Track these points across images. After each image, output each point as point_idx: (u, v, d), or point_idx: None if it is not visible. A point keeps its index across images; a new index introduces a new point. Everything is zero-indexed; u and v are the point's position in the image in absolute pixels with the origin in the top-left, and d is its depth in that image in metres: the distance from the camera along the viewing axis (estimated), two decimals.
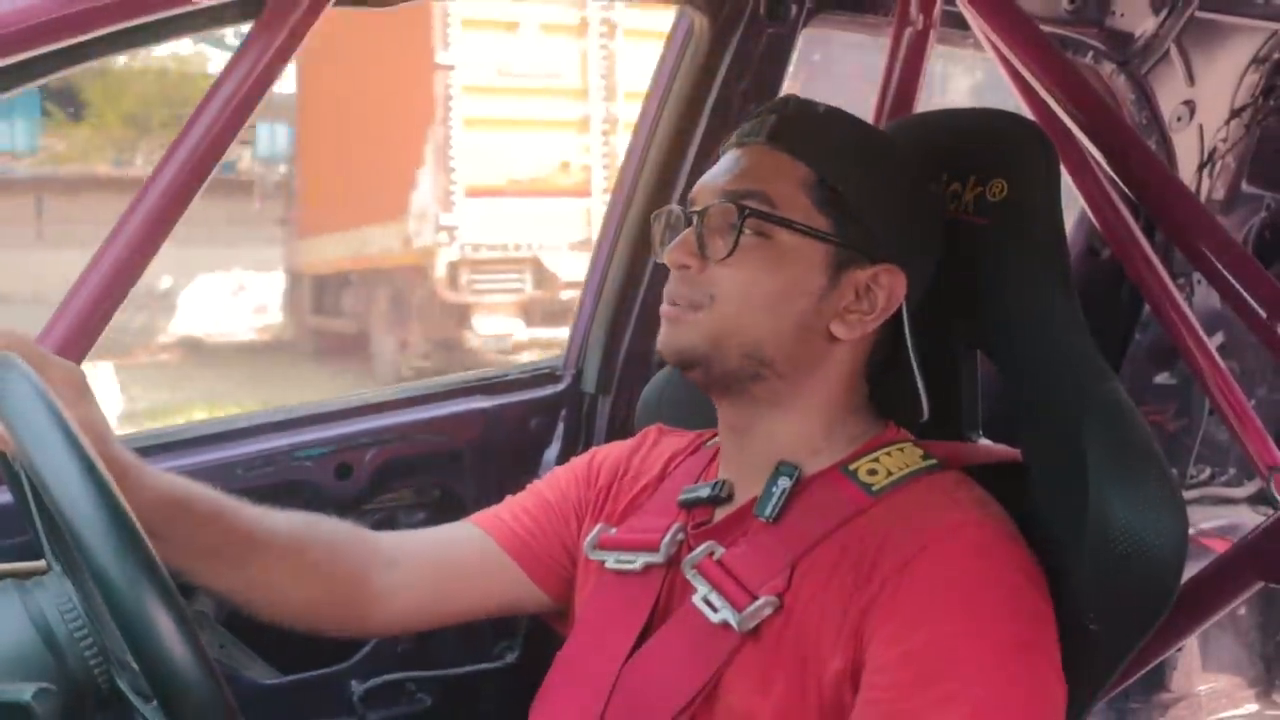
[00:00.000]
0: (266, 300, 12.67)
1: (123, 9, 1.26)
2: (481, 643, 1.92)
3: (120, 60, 10.58)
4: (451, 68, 8.19)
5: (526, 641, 1.92)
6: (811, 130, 1.16)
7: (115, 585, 0.79)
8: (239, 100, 1.36)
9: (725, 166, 1.18)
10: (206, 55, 11.79)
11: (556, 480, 1.37)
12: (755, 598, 1.08)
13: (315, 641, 1.71)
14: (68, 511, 0.80)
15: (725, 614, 1.09)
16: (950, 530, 1.05)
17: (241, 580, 1.22)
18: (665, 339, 1.16)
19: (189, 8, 1.31)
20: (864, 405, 1.20)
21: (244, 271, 12.56)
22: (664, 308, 1.17)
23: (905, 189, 1.18)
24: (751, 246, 1.12)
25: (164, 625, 0.79)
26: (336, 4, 1.42)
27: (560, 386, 2.03)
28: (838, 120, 1.19)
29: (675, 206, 1.22)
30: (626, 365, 2.00)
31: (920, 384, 1.17)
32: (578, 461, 1.39)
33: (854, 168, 1.14)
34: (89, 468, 0.82)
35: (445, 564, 1.31)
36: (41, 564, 1.02)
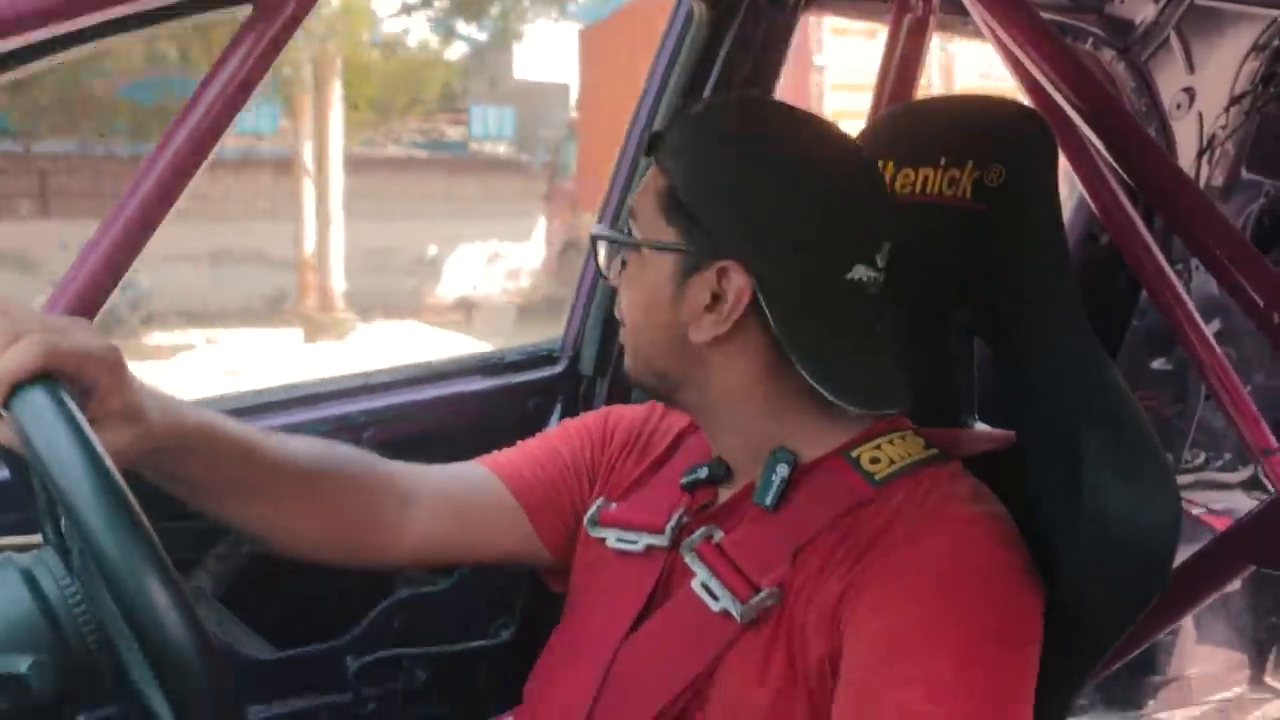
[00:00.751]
0: (519, 266, 13.82)
1: None
2: (477, 620, 1.93)
3: (360, 48, 11.51)
4: (824, 68, 9.16)
5: (522, 619, 1.93)
6: (675, 137, 1.15)
7: (111, 559, 0.80)
8: (235, 86, 1.36)
9: None
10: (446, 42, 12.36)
11: (570, 435, 1.36)
12: (758, 589, 1.08)
13: (311, 618, 1.73)
14: (63, 485, 0.81)
15: (726, 603, 1.09)
16: (942, 524, 1.05)
17: (258, 515, 1.20)
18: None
19: None
20: (805, 397, 1.12)
21: (499, 242, 13.63)
22: None
23: (760, 179, 1.10)
24: (627, 264, 1.16)
25: (160, 600, 0.80)
26: None
27: (558, 368, 2.03)
28: (706, 121, 1.16)
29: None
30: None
31: (809, 378, 1.09)
32: (592, 419, 1.38)
33: (704, 172, 1.12)
34: (84, 442, 0.82)
35: (458, 504, 1.30)
36: (38, 538, 1.03)
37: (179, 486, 1.13)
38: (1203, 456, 2.79)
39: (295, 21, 1.37)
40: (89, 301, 1.34)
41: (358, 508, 1.25)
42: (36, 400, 0.87)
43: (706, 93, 1.91)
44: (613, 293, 1.21)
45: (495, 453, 1.35)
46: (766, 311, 1.09)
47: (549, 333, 2.06)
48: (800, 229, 1.10)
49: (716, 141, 1.13)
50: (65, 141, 12.09)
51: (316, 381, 1.85)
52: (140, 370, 1.04)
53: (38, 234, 11.88)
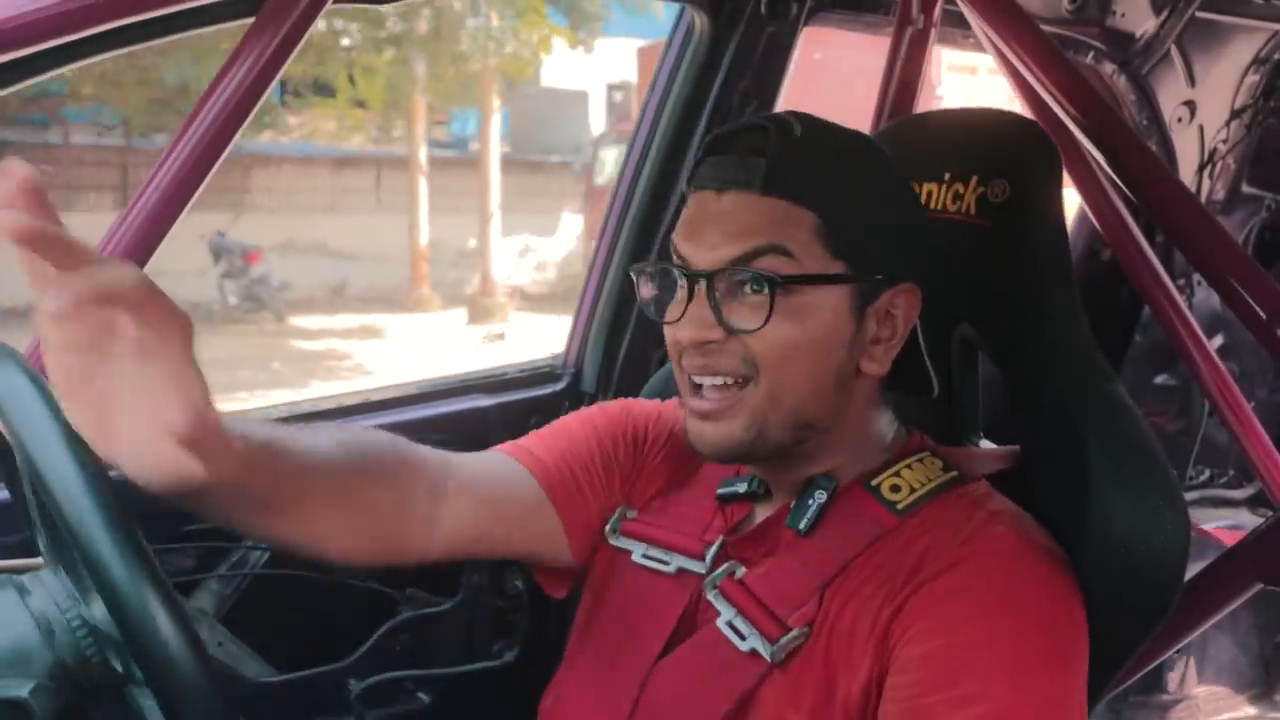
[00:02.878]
0: (554, 258, 15.24)
1: (120, 6, 1.25)
2: (480, 642, 1.92)
3: (356, 47, 11.90)
4: (942, 99, 9.89)
5: (525, 641, 1.92)
6: (804, 167, 1.06)
7: (113, 582, 0.79)
8: (239, 97, 1.36)
9: (717, 219, 1.07)
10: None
11: (597, 428, 1.28)
12: (788, 629, 1.06)
13: (314, 639, 1.72)
14: (66, 510, 0.80)
15: (754, 642, 1.07)
16: (988, 543, 1.03)
17: (283, 528, 1.07)
18: (704, 436, 1.09)
19: (187, 5, 1.31)
20: (886, 414, 1.17)
21: (531, 237, 14.91)
22: (696, 402, 1.08)
23: (899, 200, 1.12)
24: (780, 311, 1.03)
25: (161, 622, 0.79)
26: (336, 1, 1.42)
27: (560, 386, 2.03)
28: (824, 145, 1.10)
29: (668, 265, 1.11)
30: (625, 365, 2.00)
31: (934, 381, 1.15)
32: (617, 412, 1.31)
33: (854, 198, 1.07)
34: (86, 465, 0.82)
35: (491, 498, 1.21)
36: (39, 560, 1.02)
37: (205, 498, 0.96)
38: (1207, 473, 2.78)
39: (300, 30, 1.37)
40: None
41: (389, 508, 1.14)
42: (32, 411, 0.86)
43: (708, 105, 1.91)
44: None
45: (516, 442, 1.27)
46: (918, 325, 1.12)
47: None
48: (928, 242, 1.14)
49: (854, 165, 1.09)
50: (152, 137, 12.64)
51: (316, 400, 1.85)
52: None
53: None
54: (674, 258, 1.10)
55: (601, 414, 1.31)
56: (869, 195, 1.08)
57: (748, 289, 1.04)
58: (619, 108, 16.84)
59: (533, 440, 1.27)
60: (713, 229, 1.06)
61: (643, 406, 1.31)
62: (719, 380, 1.07)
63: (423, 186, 13.44)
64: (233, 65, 1.36)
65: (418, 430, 1.84)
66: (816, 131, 1.10)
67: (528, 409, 1.99)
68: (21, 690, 0.87)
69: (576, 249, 15.83)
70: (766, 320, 1.03)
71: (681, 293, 1.08)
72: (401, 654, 1.84)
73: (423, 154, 13.52)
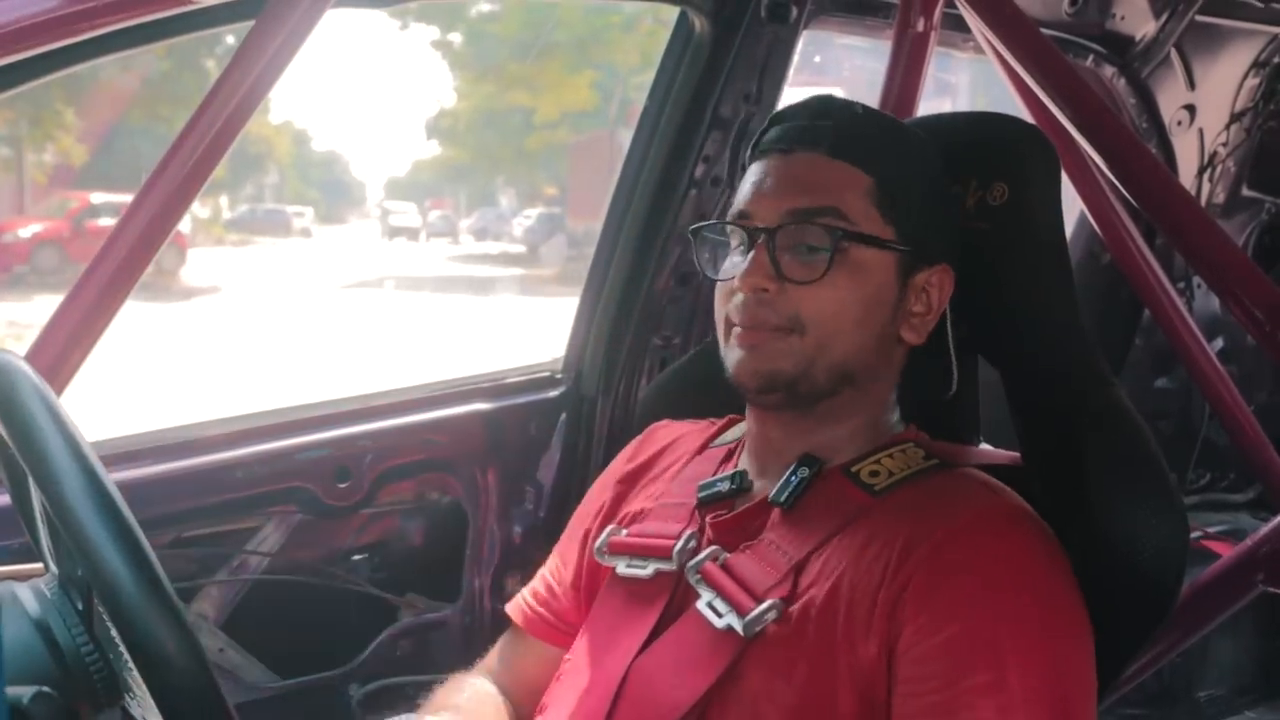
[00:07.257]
0: None
1: (123, 8, 1.26)
2: (480, 647, 1.91)
3: None
4: None
5: None
6: (866, 136, 1.15)
7: (115, 588, 0.79)
8: (240, 99, 1.36)
9: (781, 179, 1.14)
10: None
11: (579, 512, 1.38)
12: (759, 602, 1.08)
13: (314, 645, 1.71)
14: (68, 515, 0.80)
15: (729, 619, 1.09)
16: (977, 516, 1.05)
17: None
18: (749, 364, 1.12)
19: (189, 7, 1.31)
20: (891, 400, 1.20)
21: None
22: (743, 333, 1.12)
23: (942, 186, 1.19)
24: (834, 267, 1.10)
25: (162, 628, 0.79)
26: (337, 4, 1.42)
27: (560, 390, 2.03)
28: (882, 122, 1.20)
29: (729, 223, 1.16)
30: (626, 369, 2.00)
31: (955, 373, 1.18)
32: (595, 490, 1.39)
33: (907, 172, 1.15)
34: (89, 470, 0.82)
35: (534, 691, 1.31)
36: (40, 566, 1.02)
37: None
38: (1208, 476, 2.78)
39: (302, 33, 1.37)
40: (94, 315, 1.36)
41: None
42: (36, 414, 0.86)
43: (709, 109, 1.91)
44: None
45: (525, 592, 1.40)
46: (946, 311, 1.17)
47: None
48: (958, 229, 1.20)
49: (913, 144, 1.18)
50: None
51: (318, 404, 1.85)
52: None
53: None
54: (736, 220, 1.16)
55: (582, 507, 1.39)
56: (919, 173, 1.16)
57: (804, 246, 1.10)
58: None
59: (536, 584, 1.39)
60: (777, 186, 1.14)
61: (612, 466, 1.39)
62: (766, 328, 1.11)
63: None
64: (234, 68, 1.36)
65: (418, 434, 1.86)
66: (876, 113, 1.22)
67: (528, 413, 1.99)
68: (22, 698, 0.87)
69: None
70: (824, 274, 1.09)
71: (742, 247, 1.14)
72: (402, 660, 1.84)
73: None
